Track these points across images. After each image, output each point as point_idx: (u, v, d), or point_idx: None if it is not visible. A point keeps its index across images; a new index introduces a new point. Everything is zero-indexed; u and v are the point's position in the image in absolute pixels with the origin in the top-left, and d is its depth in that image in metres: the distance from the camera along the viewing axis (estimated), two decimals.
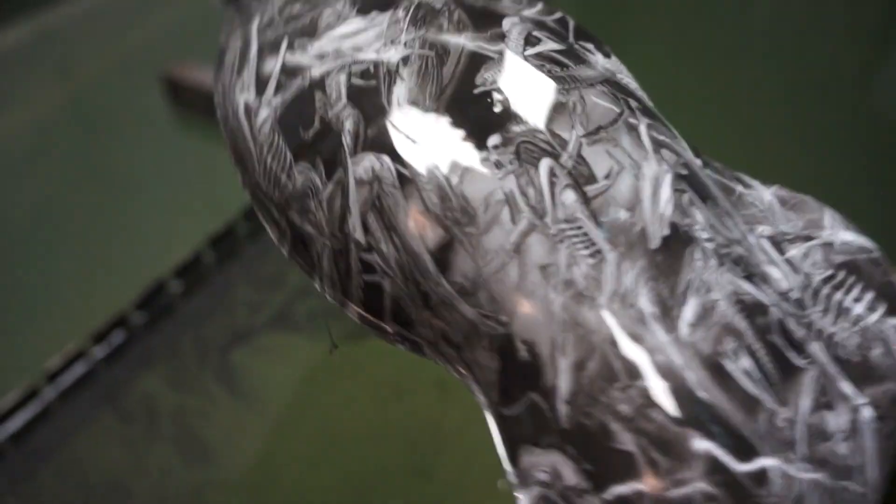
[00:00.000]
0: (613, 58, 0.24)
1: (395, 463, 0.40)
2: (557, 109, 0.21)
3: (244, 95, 0.25)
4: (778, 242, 0.21)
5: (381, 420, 0.43)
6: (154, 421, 0.45)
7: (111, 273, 0.55)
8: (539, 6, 0.24)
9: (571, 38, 0.24)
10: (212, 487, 0.41)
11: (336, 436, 0.43)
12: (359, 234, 0.22)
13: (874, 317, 0.21)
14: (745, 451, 0.18)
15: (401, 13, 0.23)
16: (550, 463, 0.19)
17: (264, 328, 0.50)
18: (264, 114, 0.24)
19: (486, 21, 0.23)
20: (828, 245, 0.22)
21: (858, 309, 0.21)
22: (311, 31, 0.24)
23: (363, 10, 0.23)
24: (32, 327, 0.52)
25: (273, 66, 0.24)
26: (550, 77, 0.21)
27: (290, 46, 0.24)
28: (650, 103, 0.24)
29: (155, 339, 0.50)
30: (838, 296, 0.21)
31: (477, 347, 0.21)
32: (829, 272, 0.21)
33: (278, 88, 0.24)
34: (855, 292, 0.21)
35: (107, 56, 0.81)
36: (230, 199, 0.58)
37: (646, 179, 0.20)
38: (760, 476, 0.18)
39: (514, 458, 0.20)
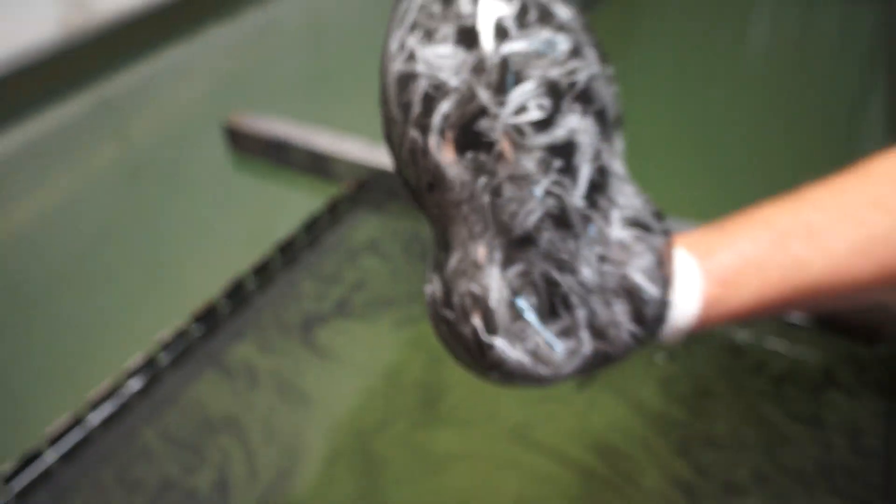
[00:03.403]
0: None
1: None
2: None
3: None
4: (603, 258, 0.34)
5: (432, 380, 0.56)
6: (255, 376, 0.56)
7: (199, 271, 0.67)
8: None
9: None
10: (316, 425, 0.53)
11: (398, 387, 0.55)
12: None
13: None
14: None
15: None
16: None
17: (330, 314, 0.62)
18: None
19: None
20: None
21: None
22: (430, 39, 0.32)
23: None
24: (143, 307, 0.64)
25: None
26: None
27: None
28: None
29: (240, 322, 0.62)
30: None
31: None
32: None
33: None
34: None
35: (164, 115, 0.96)
36: (291, 216, 0.71)
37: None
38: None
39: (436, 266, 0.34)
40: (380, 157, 0.75)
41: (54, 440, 0.50)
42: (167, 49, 1.14)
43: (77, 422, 0.52)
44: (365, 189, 0.75)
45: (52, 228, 0.76)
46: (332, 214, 0.72)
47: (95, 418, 0.53)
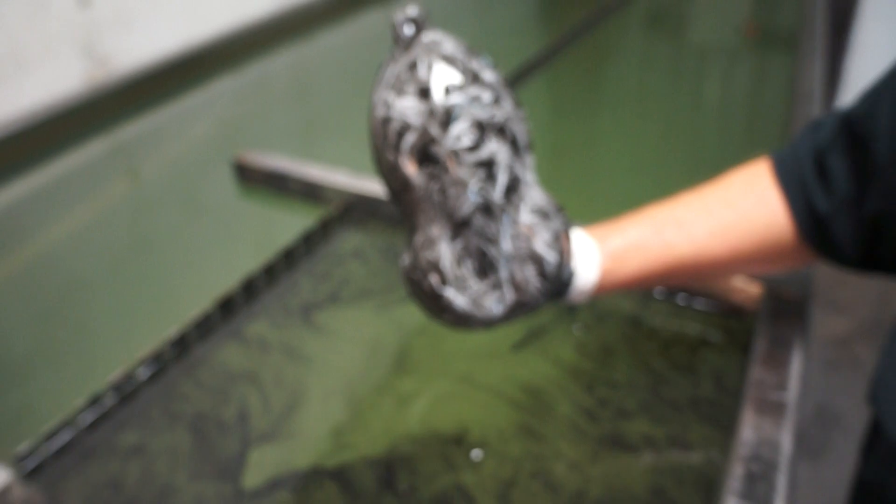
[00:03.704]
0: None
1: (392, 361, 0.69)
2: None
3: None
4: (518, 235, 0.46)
5: (401, 345, 0.72)
6: (266, 344, 0.73)
7: (218, 273, 0.84)
8: None
9: None
10: (315, 376, 0.69)
11: (375, 350, 0.72)
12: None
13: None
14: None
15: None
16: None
17: (324, 302, 0.79)
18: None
19: None
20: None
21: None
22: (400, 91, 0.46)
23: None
24: (175, 298, 0.80)
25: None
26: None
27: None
28: None
29: (253, 307, 0.78)
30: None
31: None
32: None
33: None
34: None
35: (180, 155, 1.14)
36: (290, 232, 0.88)
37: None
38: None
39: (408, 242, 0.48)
40: (362, 184, 0.93)
41: (114, 387, 0.66)
42: (178, 98, 1.33)
43: (129, 376, 0.68)
44: (350, 210, 0.93)
45: (94, 241, 0.93)
46: (324, 230, 0.90)
47: (143, 374, 0.68)
